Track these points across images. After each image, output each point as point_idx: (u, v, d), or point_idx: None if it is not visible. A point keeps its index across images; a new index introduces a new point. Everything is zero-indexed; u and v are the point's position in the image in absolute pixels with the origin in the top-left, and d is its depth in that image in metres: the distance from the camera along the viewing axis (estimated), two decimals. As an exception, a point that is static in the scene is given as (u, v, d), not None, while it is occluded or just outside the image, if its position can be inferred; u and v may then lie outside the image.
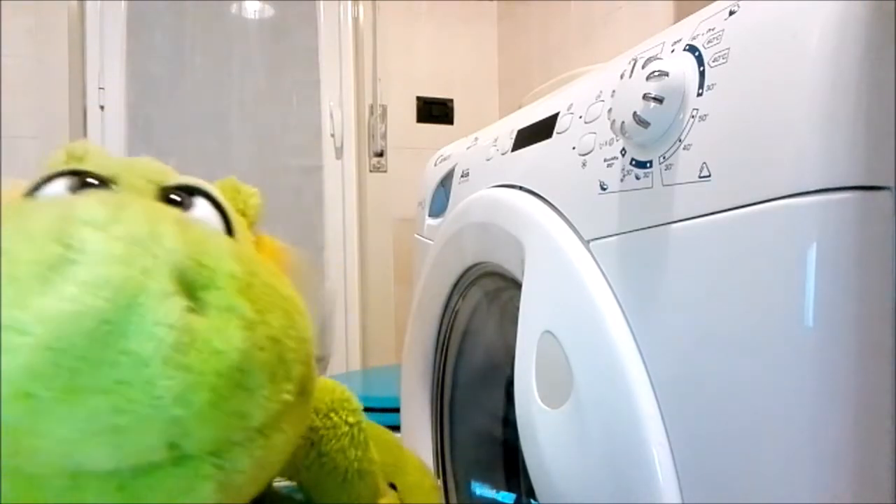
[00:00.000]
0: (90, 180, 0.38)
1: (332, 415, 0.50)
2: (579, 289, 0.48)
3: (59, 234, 0.30)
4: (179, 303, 0.30)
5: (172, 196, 0.40)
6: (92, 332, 0.27)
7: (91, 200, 0.33)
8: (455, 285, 0.78)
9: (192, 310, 0.31)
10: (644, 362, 0.43)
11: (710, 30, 0.40)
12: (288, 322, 0.36)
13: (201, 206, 0.41)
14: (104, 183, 0.39)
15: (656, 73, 0.41)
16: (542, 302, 0.53)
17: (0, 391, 0.26)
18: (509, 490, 0.84)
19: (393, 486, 0.60)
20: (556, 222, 0.53)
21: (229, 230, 0.42)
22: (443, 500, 0.84)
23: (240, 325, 0.33)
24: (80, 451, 0.29)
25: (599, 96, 0.51)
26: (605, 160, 0.48)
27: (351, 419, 0.51)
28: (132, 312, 0.28)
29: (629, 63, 0.46)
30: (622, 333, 0.44)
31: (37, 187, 0.38)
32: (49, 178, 0.38)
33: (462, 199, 0.73)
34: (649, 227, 0.43)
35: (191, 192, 0.42)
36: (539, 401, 0.51)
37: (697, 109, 0.40)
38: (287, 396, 0.36)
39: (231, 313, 0.33)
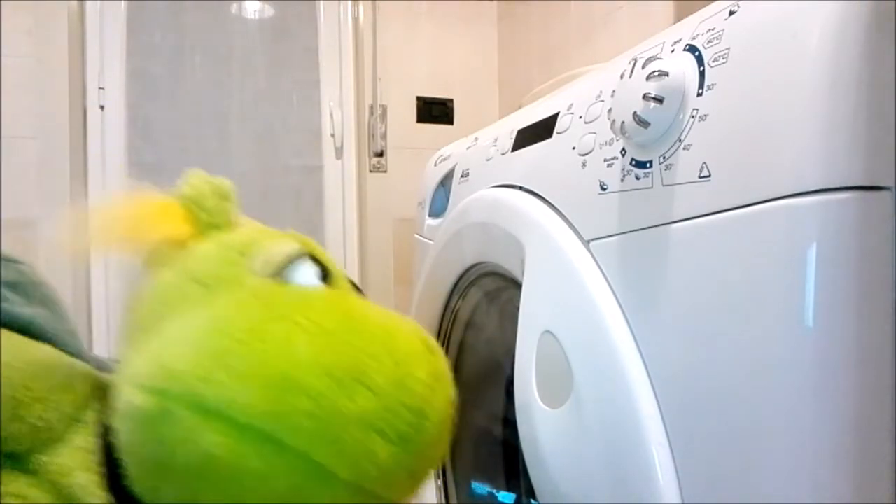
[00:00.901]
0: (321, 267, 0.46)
1: None
2: (579, 289, 0.48)
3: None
4: None
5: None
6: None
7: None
8: (455, 285, 0.78)
9: None
10: (644, 362, 0.43)
11: (710, 30, 0.40)
12: None
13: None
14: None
15: (656, 73, 0.41)
16: (542, 302, 0.53)
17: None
18: (509, 490, 0.84)
19: None
20: (556, 222, 0.53)
21: None
22: (442, 500, 0.84)
23: None
24: None
25: (599, 96, 0.51)
26: (605, 160, 0.48)
27: None
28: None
29: (629, 63, 0.45)
30: (622, 333, 0.44)
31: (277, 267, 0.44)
32: (289, 261, 0.44)
33: (462, 199, 0.73)
34: (649, 227, 0.43)
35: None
36: (539, 401, 0.51)
37: (697, 109, 0.40)
38: None
39: None
